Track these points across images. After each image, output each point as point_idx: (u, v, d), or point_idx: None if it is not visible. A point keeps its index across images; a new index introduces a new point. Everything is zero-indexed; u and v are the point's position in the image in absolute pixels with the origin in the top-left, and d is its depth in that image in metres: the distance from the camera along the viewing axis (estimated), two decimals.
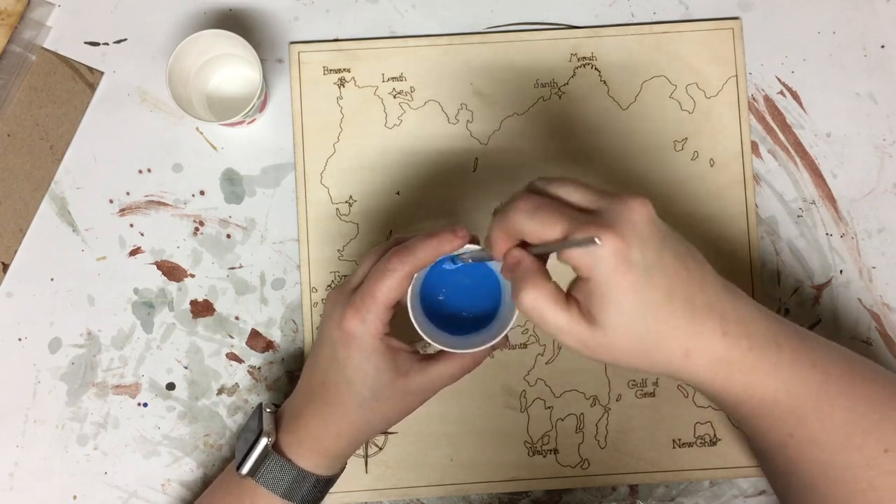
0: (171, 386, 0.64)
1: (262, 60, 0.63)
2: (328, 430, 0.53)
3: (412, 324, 0.51)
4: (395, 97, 0.65)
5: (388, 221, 0.65)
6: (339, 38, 0.66)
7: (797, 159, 0.66)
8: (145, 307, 0.65)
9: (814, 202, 0.66)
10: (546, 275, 0.45)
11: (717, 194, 0.65)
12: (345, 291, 0.52)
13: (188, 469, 0.64)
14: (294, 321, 0.65)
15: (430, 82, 0.65)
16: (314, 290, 0.64)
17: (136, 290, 0.65)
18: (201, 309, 0.65)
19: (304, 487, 0.54)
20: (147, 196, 0.65)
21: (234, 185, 0.65)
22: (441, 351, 0.53)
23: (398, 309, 0.52)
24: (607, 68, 0.66)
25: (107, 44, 0.66)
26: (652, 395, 0.64)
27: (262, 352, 0.65)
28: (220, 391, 0.64)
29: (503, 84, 0.65)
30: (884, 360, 0.65)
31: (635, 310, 0.43)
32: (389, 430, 0.64)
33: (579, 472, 0.64)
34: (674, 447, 0.64)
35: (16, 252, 0.65)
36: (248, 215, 0.65)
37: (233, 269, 0.65)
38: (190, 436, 0.64)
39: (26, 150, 0.65)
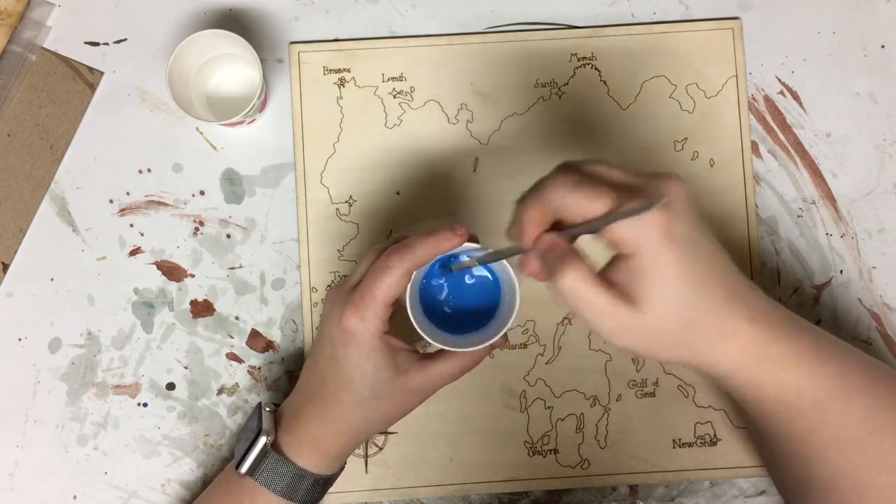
0: (171, 386, 0.64)
1: (262, 60, 0.63)
2: (327, 429, 0.53)
3: (411, 322, 0.51)
4: (395, 97, 0.65)
5: (388, 221, 0.65)
6: (339, 38, 0.66)
7: (797, 159, 0.66)
8: (145, 307, 0.65)
9: (814, 202, 0.66)
10: (581, 257, 0.44)
11: (717, 194, 0.65)
12: (344, 290, 0.52)
13: (188, 469, 0.64)
14: (294, 321, 0.65)
15: (430, 82, 0.65)
16: (314, 290, 0.64)
17: (136, 290, 0.65)
18: (201, 309, 0.65)
19: (303, 486, 0.54)
20: (147, 196, 0.65)
21: (234, 185, 0.65)
22: (440, 350, 0.53)
23: (397, 307, 0.52)
24: (607, 68, 0.66)
25: (107, 44, 0.66)
26: (652, 395, 0.64)
27: (262, 352, 0.65)
28: (220, 391, 0.64)
29: (503, 84, 0.65)
30: (884, 359, 0.65)
31: (679, 287, 0.43)
32: (389, 430, 0.64)
33: (579, 473, 0.64)
34: (674, 447, 0.64)
35: (16, 252, 0.65)
36: (248, 215, 0.65)
37: (233, 269, 0.65)
38: (190, 436, 0.64)
39: (26, 150, 0.65)
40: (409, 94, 0.65)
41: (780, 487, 0.56)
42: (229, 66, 0.64)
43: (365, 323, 0.50)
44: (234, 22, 0.66)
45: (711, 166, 0.65)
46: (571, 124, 0.65)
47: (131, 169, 0.65)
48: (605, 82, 0.66)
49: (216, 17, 0.66)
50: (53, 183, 0.65)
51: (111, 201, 0.65)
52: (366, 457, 0.64)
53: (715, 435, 0.64)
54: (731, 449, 0.64)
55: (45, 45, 0.66)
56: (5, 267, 0.64)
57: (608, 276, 0.44)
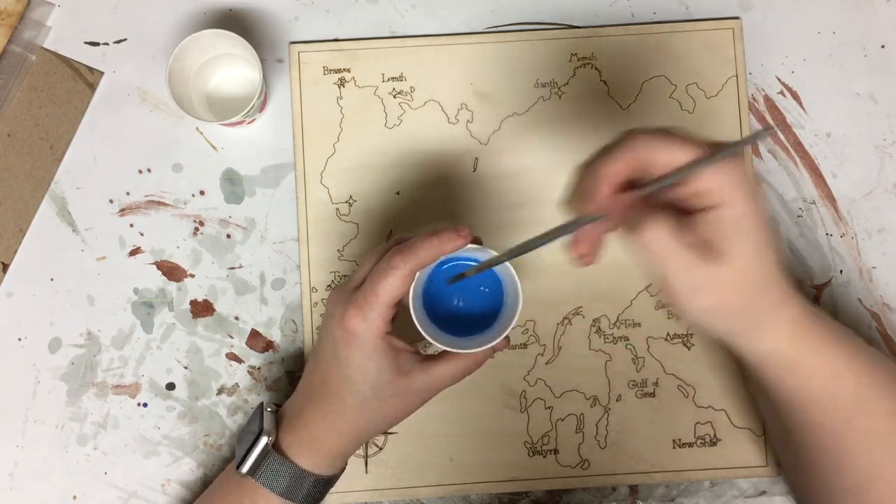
0: (171, 386, 0.64)
1: (262, 60, 0.63)
2: (328, 429, 0.53)
3: (414, 323, 0.51)
4: (395, 97, 0.65)
5: (388, 221, 0.65)
6: (339, 38, 0.66)
7: (797, 159, 0.66)
8: (145, 307, 0.65)
9: (814, 202, 0.66)
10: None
11: None
12: (347, 290, 0.52)
13: (188, 469, 0.64)
14: (294, 321, 0.65)
15: (430, 82, 0.65)
16: (314, 290, 0.64)
17: (135, 290, 0.65)
18: (201, 309, 0.65)
19: (304, 487, 0.54)
20: (147, 196, 0.65)
21: (234, 185, 0.65)
22: (443, 352, 0.53)
23: (400, 308, 0.52)
24: (607, 68, 0.66)
25: (107, 44, 0.66)
26: (652, 395, 0.64)
27: (262, 352, 0.65)
28: (219, 391, 0.64)
29: (503, 84, 0.65)
30: None
31: (759, 239, 0.43)
32: (390, 431, 0.64)
33: (579, 473, 0.64)
34: (674, 447, 0.64)
35: (16, 252, 0.65)
36: (248, 215, 0.65)
37: (233, 269, 0.65)
38: (190, 436, 0.64)
39: (26, 150, 0.65)
40: (409, 94, 0.65)
41: (803, 489, 0.56)
42: (229, 66, 0.64)
43: (368, 323, 0.50)
44: (234, 22, 0.66)
45: None
46: (571, 124, 0.65)
47: (131, 169, 0.65)
48: (605, 82, 0.66)
49: (216, 17, 0.66)
50: (53, 183, 0.65)
51: (111, 201, 0.65)
52: (366, 457, 0.64)
53: (715, 435, 0.64)
54: (731, 449, 0.64)
55: (45, 45, 0.66)
56: (5, 267, 0.64)
57: (686, 233, 0.43)
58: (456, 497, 0.64)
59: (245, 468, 0.53)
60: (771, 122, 0.66)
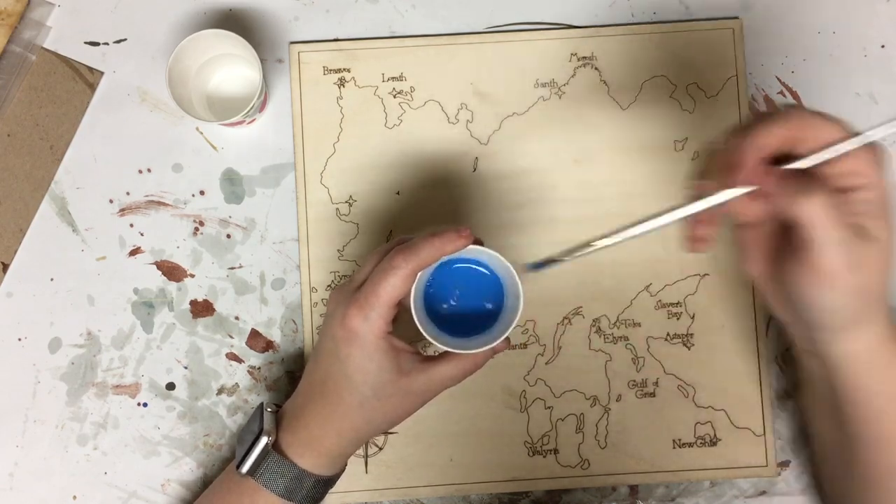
0: (170, 386, 0.64)
1: (262, 60, 0.63)
2: (328, 429, 0.53)
3: (415, 323, 0.51)
4: (395, 97, 0.65)
5: (388, 221, 0.65)
6: (339, 38, 0.66)
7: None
8: (145, 307, 0.65)
9: None
10: None
11: None
12: (348, 290, 0.52)
13: (188, 469, 0.64)
14: (294, 321, 0.65)
15: (430, 82, 0.65)
16: (314, 290, 0.64)
17: (135, 290, 0.65)
18: (201, 309, 0.65)
19: (304, 487, 0.54)
20: (147, 196, 0.65)
21: (234, 185, 0.65)
22: (443, 353, 0.53)
23: (401, 309, 0.52)
24: (607, 68, 0.66)
25: (107, 44, 0.66)
26: (652, 395, 0.64)
27: (262, 352, 0.65)
28: (219, 391, 0.64)
29: (503, 84, 0.65)
30: None
31: (894, 232, 0.44)
32: (390, 431, 0.64)
33: (579, 473, 0.64)
34: (674, 447, 0.64)
35: (16, 252, 0.65)
36: (248, 215, 0.65)
37: (233, 269, 0.65)
38: (190, 436, 0.64)
39: (26, 150, 0.65)
40: (409, 94, 0.65)
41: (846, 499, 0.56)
42: (229, 66, 0.64)
43: (369, 323, 0.50)
44: (234, 22, 0.66)
45: None
46: (571, 124, 0.65)
47: (131, 169, 0.65)
48: (605, 82, 0.66)
49: (216, 17, 0.66)
50: (53, 183, 0.65)
51: (111, 201, 0.65)
52: (366, 457, 0.64)
53: (715, 435, 0.64)
54: (731, 449, 0.64)
55: (45, 45, 0.66)
56: (5, 267, 0.64)
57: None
58: (456, 497, 0.64)
59: (245, 468, 0.53)
60: None
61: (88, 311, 0.64)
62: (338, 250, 0.64)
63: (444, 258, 0.51)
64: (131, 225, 0.65)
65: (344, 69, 0.65)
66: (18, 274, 0.65)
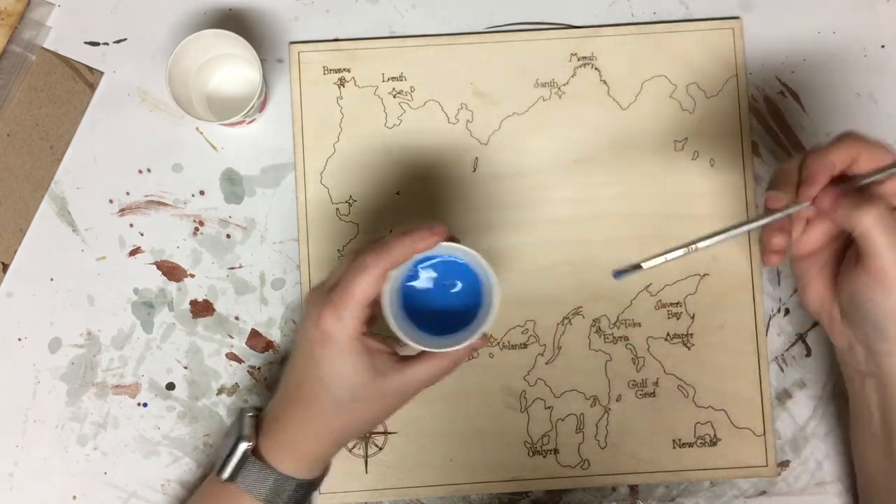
0: (170, 386, 0.64)
1: (262, 60, 0.63)
2: (306, 432, 0.53)
3: (388, 323, 0.50)
4: (395, 97, 0.65)
5: (388, 221, 0.65)
6: (339, 38, 0.66)
7: None
8: (145, 307, 0.65)
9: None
10: None
11: (717, 194, 0.65)
12: (322, 292, 0.52)
13: (188, 469, 0.64)
14: (294, 321, 0.65)
15: (430, 82, 0.65)
16: None
17: (135, 290, 0.65)
18: (201, 309, 0.65)
19: (285, 491, 0.53)
20: (147, 196, 0.65)
21: (234, 185, 0.65)
22: (420, 352, 0.52)
23: (378, 309, 0.51)
24: (607, 68, 0.66)
25: (107, 44, 0.66)
26: (652, 395, 0.64)
27: (262, 352, 0.65)
28: (219, 391, 0.64)
29: (503, 84, 0.65)
30: None
31: None
32: (389, 430, 0.64)
33: (579, 473, 0.64)
34: (674, 447, 0.64)
35: (16, 252, 0.65)
36: (248, 215, 0.65)
37: (233, 269, 0.65)
38: (190, 436, 0.64)
39: (26, 150, 0.65)
40: (409, 94, 0.65)
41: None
42: (229, 66, 0.64)
43: (342, 324, 0.50)
44: (234, 22, 0.66)
45: (711, 166, 0.65)
46: (571, 124, 0.65)
47: (131, 169, 0.65)
48: (605, 82, 0.66)
49: (216, 17, 0.66)
50: (53, 183, 0.65)
51: (111, 201, 0.65)
52: (366, 457, 0.64)
53: (715, 435, 0.64)
54: (731, 449, 0.64)
55: (45, 45, 0.66)
56: (5, 267, 0.64)
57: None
58: (456, 497, 0.64)
59: (225, 474, 0.53)
60: (771, 122, 0.66)
61: (88, 311, 0.64)
62: (338, 250, 0.64)
63: (421, 256, 0.51)
64: (131, 225, 0.65)
65: (344, 69, 0.65)
66: (18, 274, 0.65)
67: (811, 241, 0.53)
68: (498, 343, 0.64)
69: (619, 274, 0.51)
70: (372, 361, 0.51)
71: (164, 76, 0.59)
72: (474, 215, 0.65)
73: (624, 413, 0.64)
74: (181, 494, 0.64)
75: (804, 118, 0.66)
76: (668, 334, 0.64)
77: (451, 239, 0.51)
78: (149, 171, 0.65)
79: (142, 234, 0.65)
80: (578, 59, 0.66)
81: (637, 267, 0.51)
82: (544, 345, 0.64)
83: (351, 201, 0.65)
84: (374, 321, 0.52)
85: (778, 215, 0.50)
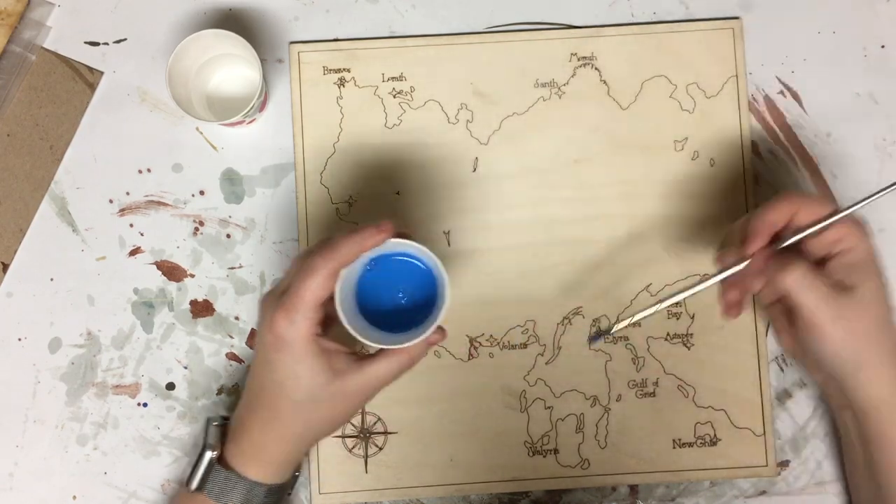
0: (170, 386, 0.64)
1: (262, 60, 0.63)
2: (270, 437, 0.53)
3: (341, 321, 0.50)
4: (395, 97, 0.65)
5: (395, 222, 0.65)
6: (339, 38, 0.66)
7: (797, 159, 0.66)
8: (145, 307, 0.65)
9: None
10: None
11: (717, 194, 0.65)
12: (275, 295, 0.51)
13: (188, 469, 0.64)
14: None
15: (430, 82, 0.65)
16: None
17: (135, 290, 0.65)
18: (201, 309, 0.65)
19: (256, 497, 0.53)
20: (147, 196, 0.65)
21: (234, 185, 0.65)
22: (378, 350, 0.52)
23: (331, 308, 0.51)
24: (607, 68, 0.66)
25: (107, 44, 0.66)
26: (652, 395, 0.64)
27: None
28: (219, 391, 0.64)
29: (503, 84, 0.65)
30: None
31: (880, 283, 0.53)
32: (389, 431, 0.64)
33: (579, 473, 0.64)
34: (674, 447, 0.64)
35: (16, 252, 0.65)
36: (248, 215, 0.65)
37: (233, 269, 0.65)
38: (190, 436, 0.64)
39: (26, 150, 0.65)
40: (409, 94, 0.65)
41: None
42: (229, 66, 0.64)
43: (295, 326, 0.49)
44: (234, 22, 0.66)
45: (711, 166, 0.65)
46: (571, 124, 0.65)
47: (131, 169, 0.65)
48: (605, 82, 0.66)
49: (216, 17, 0.66)
50: (53, 183, 0.65)
51: (111, 201, 0.65)
52: (366, 457, 0.64)
53: (715, 435, 0.64)
54: (731, 449, 0.64)
55: (45, 45, 0.66)
56: (5, 267, 0.64)
57: (824, 275, 0.53)
58: (456, 497, 0.64)
59: (193, 485, 0.53)
60: (771, 122, 0.66)
61: (88, 311, 0.64)
62: None
63: (373, 254, 0.51)
64: (131, 225, 0.65)
65: (344, 69, 0.65)
66: (18, 274, 0.65)
67: (772, 291, 0.55)
68: (498, 343, 0.64)
69: (592, 340, 0.59)
70: (329, 362, 0.51)
71: (164, 76, 0.59)
72: (474, 215, 0.65)
73: (624, 413, 0.64)
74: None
75: (804, 118, 0.66)
76: (668, 334, 0.64)
77: (404, 236, 0.51)
78: (149, 171, 0.65)
79: (142, 234, 0.65)
80: (578, 59, 0.66)
81: (608, 332, 0.58)
82: (544, 345, 0.64)
83: (351, 201, 0.65)
84: (331, 322, 0.52)
85: (724, 274, 0.55)
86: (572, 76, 0.66)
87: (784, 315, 0.57)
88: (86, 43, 0.66)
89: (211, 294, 0.65)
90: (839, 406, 0.59)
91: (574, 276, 0.64)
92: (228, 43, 0.61)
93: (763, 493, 0.64)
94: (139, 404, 0.64)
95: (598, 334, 0.59)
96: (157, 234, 0.65)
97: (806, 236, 0.53)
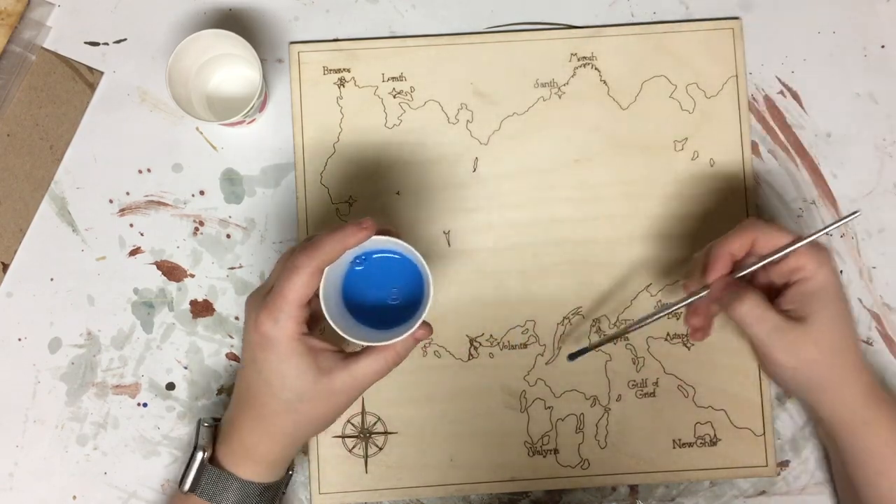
0: (170, 386, 0.64)
1: (262, 60, 0.63)
2: (259, 436, 0.53)
3: (326, 319, 0.50)
4: (395, 97, 0.65)
5: (388, 221, 0.65)
6: (339, 38, 0.66)
7: (797, 159, 0.66)
8: (145, 307, 0.65)
9: (814, 202, 0.66)
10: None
11: (717, 194, 0.65)
12: (260, 295, 0.52)
13: None
14: None
15: (430, 82, 0.65)
16: None
17: (135, 290, 0.65)
18: (201, 309, 0.65)
19: (250, 496, 0.53)
20: (147, 196, 0.65)
21: (234, 185, 0.65)
22: (365, 347, 0.52)
23: (318, 307, 0.51)
24: (607, 68, 0.66)
25: (107, 44, 0.66)
26: (652, 395, 0.64)
27: None
28: (219, 391, 0.64)
29: (503, 84, 0.65)
30: (884, 360, 0.65)
31: (837, 308, 0.53)
32: (389, 431, 0.64)
33: (579, 473, 0.64)
34: (674, 447, 0.64)
35: (16, 252, 0.65)
36: (248, 215, 0.65)
37: (233, 269, 0.65)
38: (189, 436, 0.64)
39: (26, 150, 0.65)
40: (409, 94, 0.65)
41: None
42: (229, 66, 0.64)
43: (279, 326, 0.50)
44: (234, 22, 0.66)
45: (711, 166, 0.65)
46: (571, 124, 0.65)
47: (131, 169, 0.65)
48: (605, 82, 0.66)
49: (216, 17, 0.66)
50: (53, 183, 0.65)
51: (111, 201, 0.65)
52: (366, 457, 0.64)
53: (715, 435, 0.64)
54: (731, 449, 0.64)
55: (45, 45, 0.66)
56: (5, 267, 0.64)
57: (777, 305, 0.54)
58: (456, 497, 0.64)
59: (186, 486, 0.54)
60: (771, 122, 0.66)
61: (88, 311, 0.64)
62: None
63: (358, 252, 0.51)
64: (131, 225, 0.65)
65: (344, 69, 0.65)
66: (18, 274, 0.65)
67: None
68: (498, 343, 0.64)
69: (572, 356, 0.59)
70: (315, 360, 0.51)
71: (164, 76, 0.59)
72: (474, 215, 0.65)
73: (624, 413, 0.64)
74: None
75: (804, 118, 0.66)
76: (668, 334, 0.64)
77: (389, 233, 0.51)
78: (149, 171, 0.65)
79: (142, 234, 0.65)
80: (578, 59, 0.66)
81: (587, 350, 0.59)
82: (544, 345, 0.64)
83: (351, 201, 0.65)
84: (318, 320, 0.52)
85: (685, 301, 0.56)
86: (572, 76, 0.66)
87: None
88: (86, 43, 0.66)
89: (211, 294, 0.65)
90: (814, 419, 0.62)
91: (574, 276, 0.64)
92: (228, 43, 0.61)
93: (763, 493, 0.64)
94: (139, 404, 0.64)
95: (578, 352, 0.59)
96: (157, 234, 0.65)
97: (765, 265, 0.54)
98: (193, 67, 0.62)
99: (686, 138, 0.65)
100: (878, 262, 0.65)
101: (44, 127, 0.65)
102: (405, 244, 0.51)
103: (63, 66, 0.65)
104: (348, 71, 0.65)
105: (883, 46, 0.67)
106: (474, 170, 0.65)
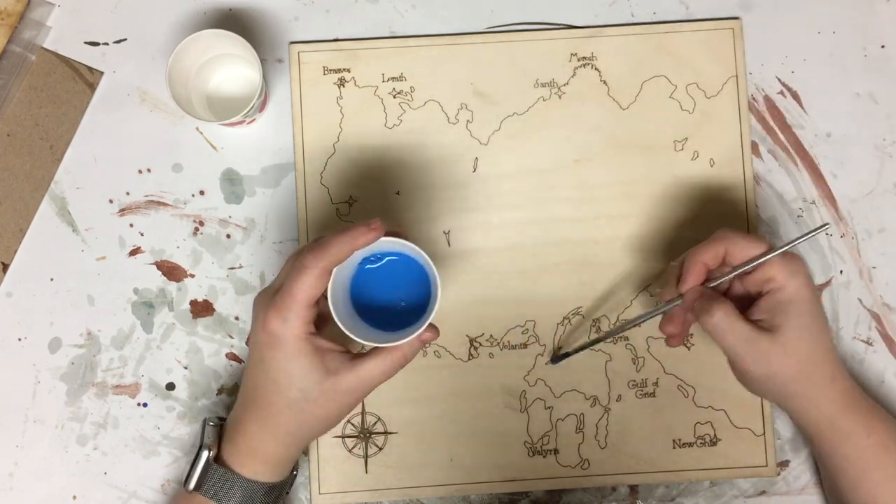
0: (170, 386, 0.64)
1: (262, 60, 0.63)
2: (265, 435, 0.53)
3: (334, 319, 0.50)
4: (395, 97, 0.65)
5: (388, 221, 0.64)
6: (339, 38, 0.66)
7: (797, 159, 0.66)
8: (145, 307, 0.65)
9: (814, 202, 0.66)
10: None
11: (717, 194, 0.65)
12: (268, 294, 0.52)
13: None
14: None
15: (430, 82, 0.65)
16: None
17: (135, 290, 0.65)
18: (201, 309, 0.65)
19: (255, 496, 0.53)
20: (147, 196, 0.65)
21: (234, 185, 0.65)
22: (372, 348, 0.52)
23: (325, 307, 0.51)
24: (607, 68, 0.66)
25: (107, 44, 0.66)
26: (652, 395, 0.64)
27: None
28: (219, 391, 0.64)
29: (503, 84, 0.65)
30: (884, 360, 0.65)
31: (810, 319, 0.53)
32: (389, 431, 0.64)
33: (579, 473, 0.64)
34: (674, 447, 0.64)
35: (16, 252, 0.65)
36: (248, 215, 0.65)
37: (233, 269, 0.65)
38: (190, 436, 0.64)
39: (26, 150, 0.65)
40: (409, 94, 0.65)
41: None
42: (229, 66, 0.64)
43: (287, 325, 0.50)
44: (234, 22, 0.66)
45: (711, 166, 0.65)
46: (571, 124, 0.65)
47: (131, 169, 0.65)
48: (605, 82, 0.66)
49: (216, 17, 0.66)
50: (53, 183, 0.65)
51: (111, 201, 0.65)
52: (366, 457, 0.64)
53: (715, 435, 0.64)
54: (731, 449, 0.64)
55: (45, 45, 0.66)
56: (5, 267, 0.64)
57: (749, 316, 0.54)
58: (456, 497, 0.64)
59: (191, 485, 0.54)
60: (771, 122, 0.66)
61: (88, 311, 0.64)
62: None
63: (366, 253, 0.51)
64: (131, 225, 0.65)
65: (344, 69, 0.65)
66: (18, 274, 0.65)
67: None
68: (498, 343, 0.64)
69: (555, 360, 0.62)
70: (322, 360, 0.51)
71: (164, 76, 0.59)
72: (474, 215, 0.65)
73: (624, 413, 0.64)
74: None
75: (804, 118, 0.66)
76: None
77: (396, 234, 0.51)
78: (149, 171, 0.65)
79: (142, 234, 0.65)
80: (578, 59, 0.66)
81: (568, 354, 0.61)
82: (544, 345, 0.64)
83: (351, 201, 0.65)
84: (326, 321, 0.52)
85: (660, 310, 0.57)
86: (572, 76, 0.66)
87: None
88: (86, 43, 0.66)
89: (211, 294, 0.65)
90: (794, 426, 0.62)
91: (574, 276, 0.64)
92: (228, 43, 0.61)
93: (763, 493, 0.64)
94: (139, 404, 0.64)
95: (560, 356, 0.62)
96: (157, 234, 0.65)
97: (738, 275, 0.55)
98: (193, 67, 0.62)
99: (686, 138, 0.65)
100: (878, 262, 0.65)
101: (44, 127, 0.65)
102: (413, 246, 0.51)
103: (63, 66, 0.65)
104: (348, 71, 0.65)
105: (883, 46, 0.67)
106: (474, 170, 0.65)
